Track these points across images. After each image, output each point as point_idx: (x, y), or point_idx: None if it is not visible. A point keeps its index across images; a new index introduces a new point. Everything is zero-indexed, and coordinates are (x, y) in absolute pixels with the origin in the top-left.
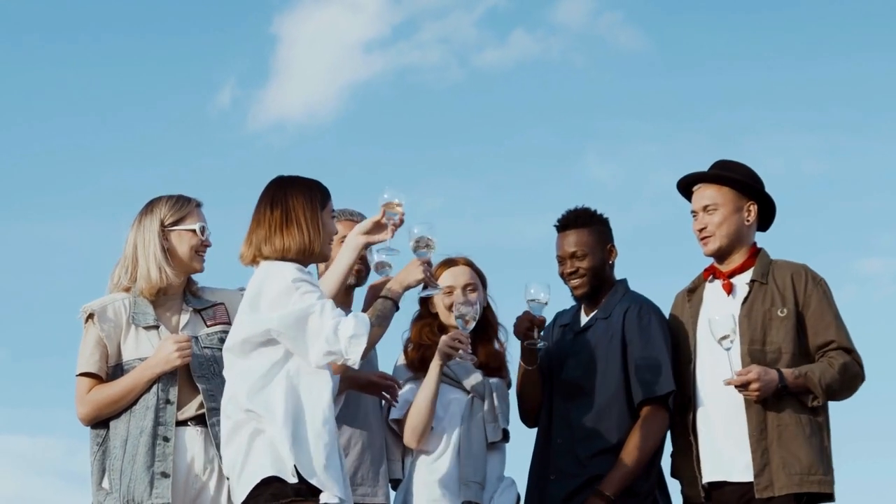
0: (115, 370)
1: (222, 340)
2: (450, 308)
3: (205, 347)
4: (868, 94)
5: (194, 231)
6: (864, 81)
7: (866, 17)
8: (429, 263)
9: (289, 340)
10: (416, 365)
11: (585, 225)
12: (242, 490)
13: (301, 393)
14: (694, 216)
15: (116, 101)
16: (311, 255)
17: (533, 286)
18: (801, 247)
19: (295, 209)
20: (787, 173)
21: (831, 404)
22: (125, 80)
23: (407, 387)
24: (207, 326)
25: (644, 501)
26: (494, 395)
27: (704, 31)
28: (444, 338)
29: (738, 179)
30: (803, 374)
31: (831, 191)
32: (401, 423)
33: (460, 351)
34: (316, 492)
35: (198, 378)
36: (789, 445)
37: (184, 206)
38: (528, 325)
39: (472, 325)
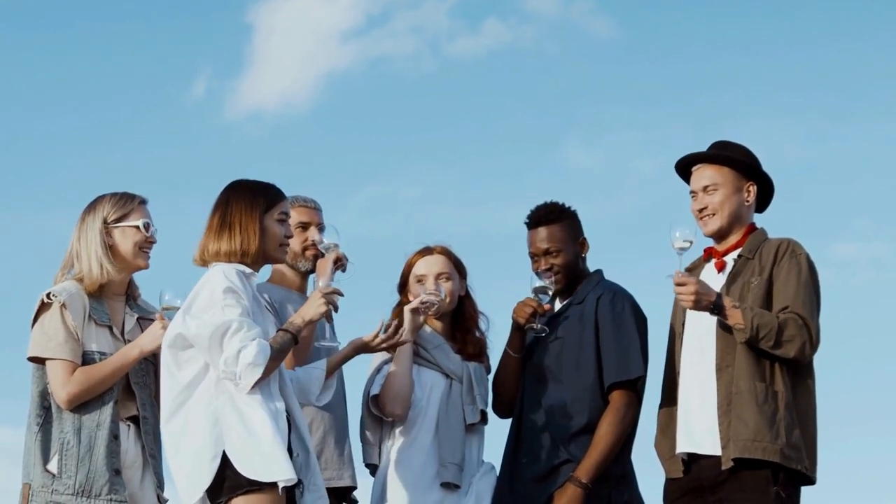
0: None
1: (155, 355)
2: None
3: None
4: (849, 80)
5: (137, 227)
6: (845, 67)
7: (847, 2)
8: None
9: (203, 350)
10: (395, 348)
11: (556, 220)
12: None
13: (226, 403)
14: (693, 196)
15: (90, 91)
16: (246, 259)
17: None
18: (779, 231)
19: (232, 214)
20: (768, 158)
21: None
22: (99, 69)
23: (384, 369)
24: None
25: (616, 486)
26: (473, 377)
27: (677, 18)
28: (410, 313)
29: (739, 159)
30: (740, 307)
31: (812, 176)
32: (380, 397)
33: (428, 301)
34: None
35: (135, 384)
36: (741, 413)
37: (127, 203)
38: (531, 310)
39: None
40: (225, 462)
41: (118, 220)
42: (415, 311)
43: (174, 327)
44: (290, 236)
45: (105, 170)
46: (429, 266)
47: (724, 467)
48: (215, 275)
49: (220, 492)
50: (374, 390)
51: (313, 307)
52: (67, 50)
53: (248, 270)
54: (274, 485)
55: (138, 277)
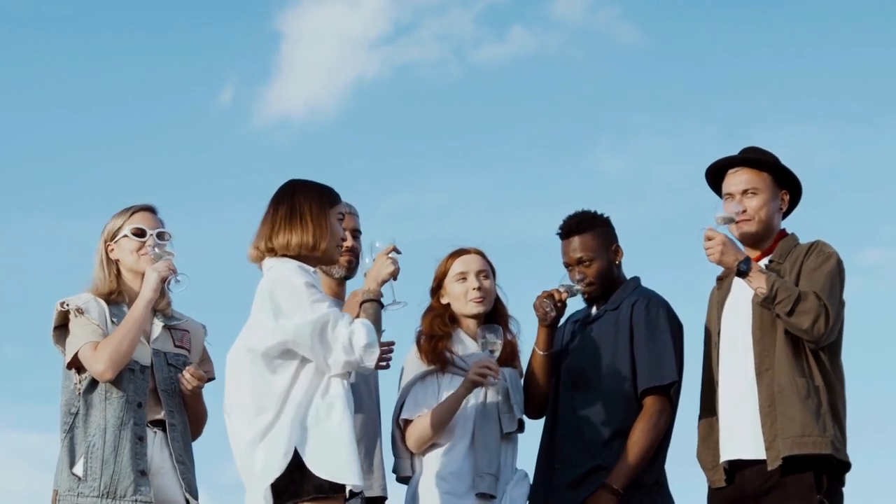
0: None
1: (185, 364)
2: (464, 295)
3: (170, 364)
4: (877, 87)
5: (127, 236)
6: (874, 73)
7: (876, 8)
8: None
9: (306, 350)
10: (430, 356)
11: (588, 229)
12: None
13: (315, 405)
14: (728, 199)
15: (118, 98)
16: (315, 253)
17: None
18: (807, 238)
19: (300, 206)
20: (796, 165)
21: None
22: (127, 77)
23: (418, 386)
24: (175, 346)
25: (649, 493)
26: (509, 384)
27: (702, 24)
28: (473, 365)
29: (780, 165)
30: (766, 273)
31: (839, 182)
32: (409, 423)
33: (489, 378)
34: (337, 487)
35: (162, 392)
36: (786, 410)
37: (122, 215)
38: (547, 294)
39: (498, 352)
40: (296, 463)
41: (114, 235)
42: (475, 383)
43: (268, 337)
44: (345, 239)
45: (133, 177)
46: (468, 264)
47: (770, 467)
48: (289, 273)
49: (286, 495)
50: (406, 414)
51: (384, 266)
52: (95, 57)
53: (311, 268)
54: (339, 492)
55: None
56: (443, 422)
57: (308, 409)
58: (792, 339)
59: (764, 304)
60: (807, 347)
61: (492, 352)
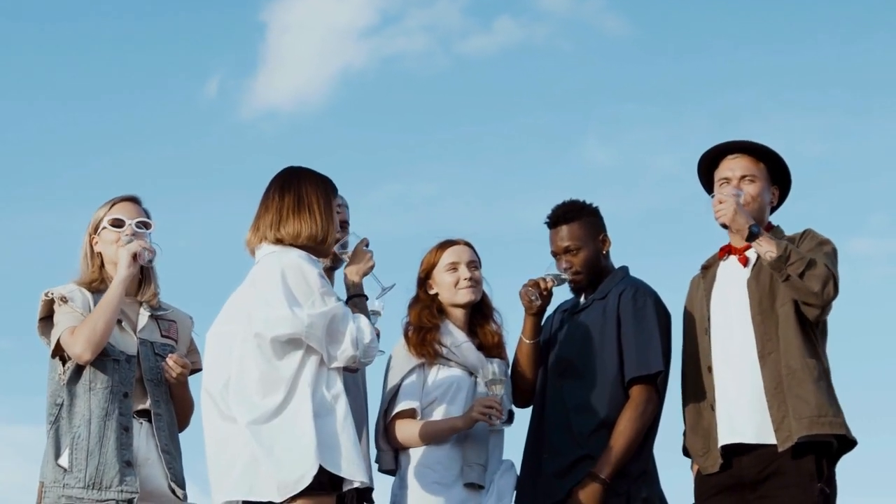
0: None
1: (164, 353)
2: (455, 284)
3: (157, 354)
4: (868, 77)
5: (107, 228)
6: (865, 64)
7: None
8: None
9: (315, 341)
10: (419, 349)
11: (576, 218)
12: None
13: (321, 395)
14: (724, 184)
15: (105, 90)
16: (321, 245)
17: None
18: (796, 228)
19: (308, 195)
20: (787, 155)
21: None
22: (114, 68)
23: (410, 379)
24: (162, 336)
25: (636, 482)
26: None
27: (688, 15)
28: (476, 402)
29: (778, 158)
30: (776, 239)
31: (830, 172)
32: (401, 415)
33: (488, 415)
34: (337, 483)
35: (148, 381)
36: (798, 391)
37: (104, 207)
38: (533, 282)
39: (502, 389)
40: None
41: (97, 227)
42: (477, 420)
43: (282, 324)
44: (339, 230)
45: (120, 168)
46: (459, 254)
47: (781, 448)
48: (300, 261)
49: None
50: (399, 407)
51: (364, 261)
52: (81, 48)
53: (317, 259)
54: (337, 488)
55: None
56: (431, 440)
57: (313, 397)
58: (797, 321)
59: (775, 265)
60: (811, 330)
61: (496, 384)
